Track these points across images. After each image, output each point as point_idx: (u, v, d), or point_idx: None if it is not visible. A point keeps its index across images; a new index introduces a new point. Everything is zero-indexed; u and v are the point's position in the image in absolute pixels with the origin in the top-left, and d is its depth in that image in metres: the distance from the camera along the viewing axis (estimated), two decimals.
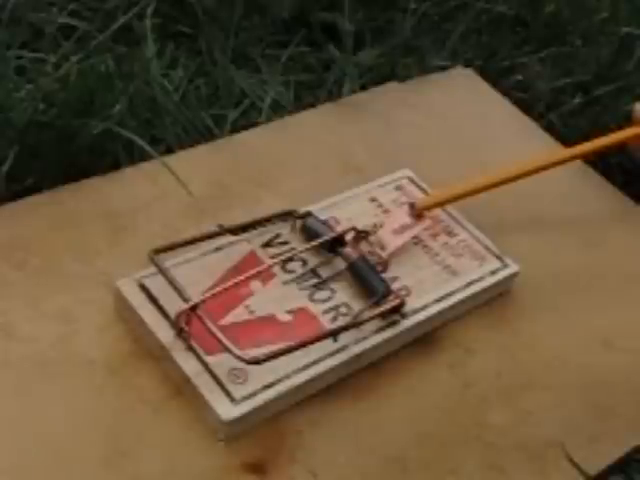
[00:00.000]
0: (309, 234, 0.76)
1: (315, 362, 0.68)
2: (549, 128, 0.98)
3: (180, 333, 0.66)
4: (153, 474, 0.62)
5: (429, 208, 0.80)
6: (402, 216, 0.79)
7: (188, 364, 0.66)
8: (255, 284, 0.72)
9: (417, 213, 0.79)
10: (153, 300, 0.69)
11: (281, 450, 0.65)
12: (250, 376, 0.66)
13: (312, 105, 0.95)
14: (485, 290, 0.77)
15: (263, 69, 0.98)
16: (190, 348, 0.66)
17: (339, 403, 0.68)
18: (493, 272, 0.78)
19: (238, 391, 0.65)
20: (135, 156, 0.83)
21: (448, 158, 0.90)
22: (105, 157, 0.82)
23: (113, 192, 0.80)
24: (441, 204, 0.81)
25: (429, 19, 1.06)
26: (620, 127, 0.90)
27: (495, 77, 1.02)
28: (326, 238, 0.74)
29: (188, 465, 0.63)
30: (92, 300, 0.71)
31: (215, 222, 0.75)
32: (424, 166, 0.86)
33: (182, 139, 0.87)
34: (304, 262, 0.75)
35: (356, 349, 0.69)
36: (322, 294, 0.73)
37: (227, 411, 0.64)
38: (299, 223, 0.77)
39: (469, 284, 0.76)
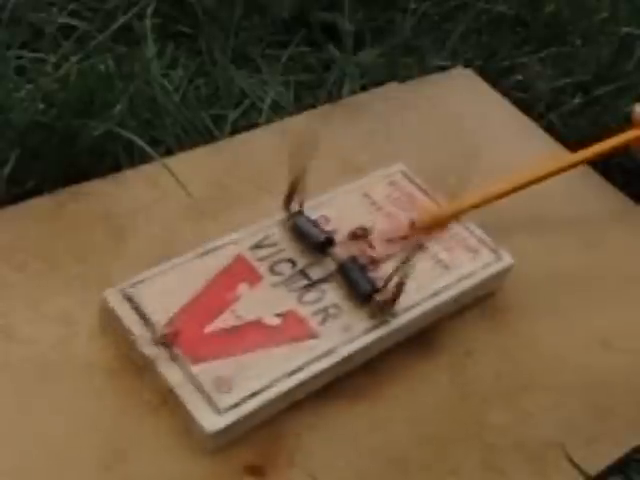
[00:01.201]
0: (299, 234, 0.75)
1: (301, 367, 0.66)
2: (549, 128, 0.98)
3: (163, 344, 0.66)
4: (152, 477, 0.62)
5: (429, 226, 0.79)
6: (399, 227, 0.78)
7: (172, 374, 0.65)
8: (243, 287, 0.71)
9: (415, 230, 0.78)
10: (137, 310, 0.68)
11: (280, 453, 0.65)
12: (234, 384, 0.64)
13: (312, 105, 0.95)
14: (479, 284, 0.76)
15: (263, 69, 0.98)
16: (174, 358, 0.65)
17: (337, 406, 0.68)
18: (487, 265, 0.77)
19: (223, 400, 0.64)
20: (135, 157, 0.83)
21: (448, 158, 0.90)
22: (105, 158, 0.82)
23: (113, 194, 0.80)
24: (442, 223, 0.79)
25: (429, 19, 1.06)
26: (621, 128, 0.90)
27: (495, 77, 1.02)
28: (316, 240, 0.73)
29: (188, 468, 0.63)
30: (92, 302, 0.71)
31: (215, 223, 0.75)
32: (424, 166, 0.86)
33: (182, 140, 0.87)
34: (293, 263, 0.74)
35: (345, 351, 0.68)
36: (312, 295, 0.72)
37: (212, 423, 0.63)
38: (289, 223, 0.76)
39: (462, 278, 0.75)
